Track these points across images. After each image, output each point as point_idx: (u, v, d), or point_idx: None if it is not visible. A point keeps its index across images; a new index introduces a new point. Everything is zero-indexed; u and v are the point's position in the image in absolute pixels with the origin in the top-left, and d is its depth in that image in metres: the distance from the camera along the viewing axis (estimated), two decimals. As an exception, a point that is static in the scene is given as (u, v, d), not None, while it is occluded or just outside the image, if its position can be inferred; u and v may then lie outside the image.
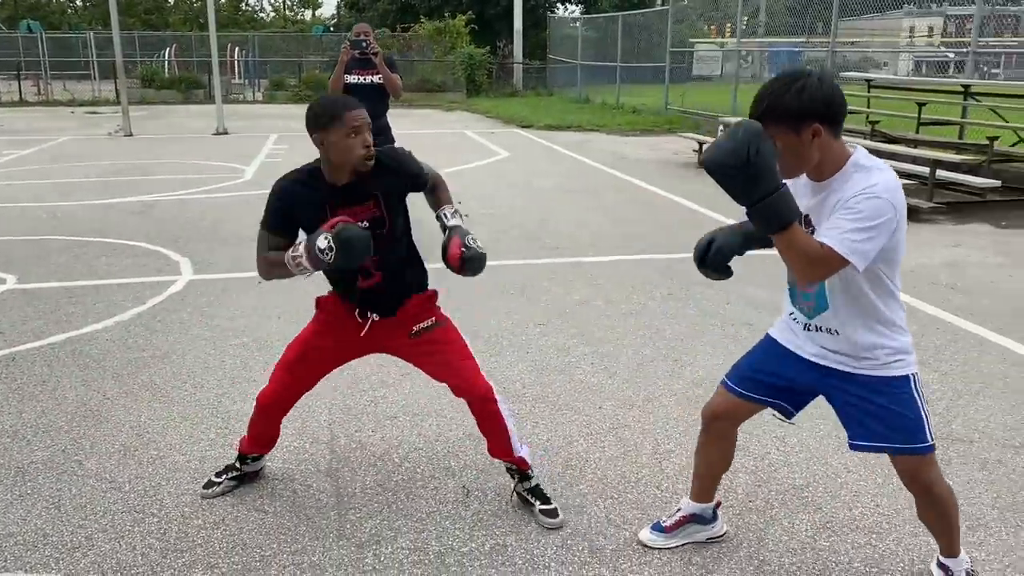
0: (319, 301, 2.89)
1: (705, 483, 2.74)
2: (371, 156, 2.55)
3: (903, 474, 2.38)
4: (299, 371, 2.87)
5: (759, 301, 5.28)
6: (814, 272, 2.10)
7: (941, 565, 2.52)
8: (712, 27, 27.62)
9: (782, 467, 3.28)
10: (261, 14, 54.28)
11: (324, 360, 2.89)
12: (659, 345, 4.62)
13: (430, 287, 2.88)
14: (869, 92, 12.25)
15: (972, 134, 10.47)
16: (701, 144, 11.85)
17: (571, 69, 25.48)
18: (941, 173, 8.34)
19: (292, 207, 2.62)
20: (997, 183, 8.22)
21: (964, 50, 12.89)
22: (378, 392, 3.98)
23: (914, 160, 8.82)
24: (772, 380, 2.47)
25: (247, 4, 52.13)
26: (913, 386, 2.29)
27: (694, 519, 2.75)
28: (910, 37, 23.83)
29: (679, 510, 2.78)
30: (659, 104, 18.75)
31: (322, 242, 2.44)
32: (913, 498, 2.45)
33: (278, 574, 2.60)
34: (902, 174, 8.58)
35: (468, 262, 2.62)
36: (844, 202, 2.07)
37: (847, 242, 2.02)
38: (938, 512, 2.42)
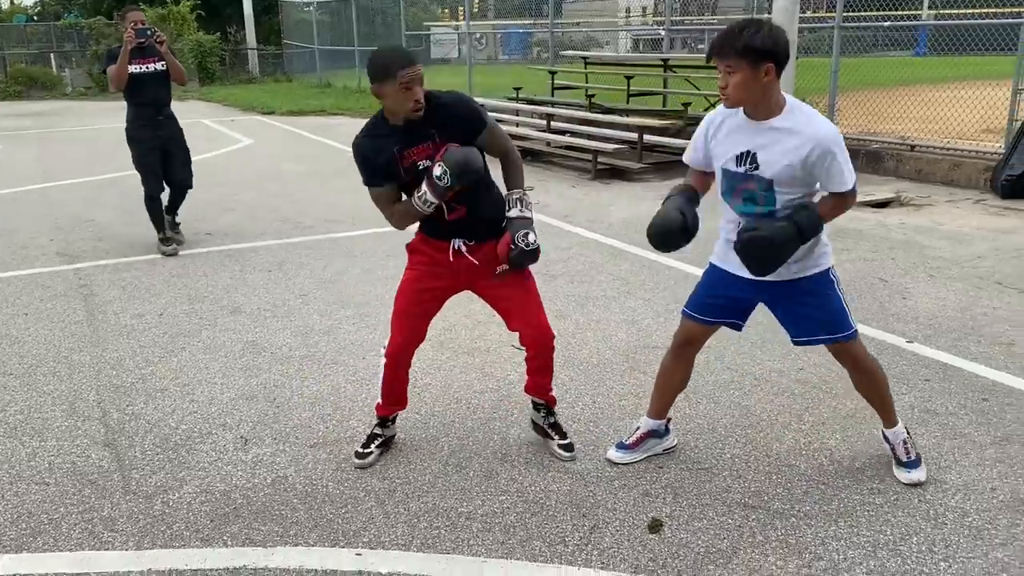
0: (409, 247, 3.11)
1: (664, 401, 3.14)
2: (419, 109, 2.77)
3: (835, 354, 2.90)
4: (415, 315, 3.08)
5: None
6: (846, 210, 2.70)
7: (884, 436, 3.02)
8: (445, 10, 28.50)
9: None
10: (-55, 2, 47.79)
11: (434, 299, 3.11)
12: (412, 301, 5.08)
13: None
14: (586, 69, 13.49)
15: (673, 102, 11.92)
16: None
17: (309, 54, 25.23)
18: (648, 138, 9.53)
19: (372, 159, 2.87)
20: (693, 143, 9.53)
21: (671, 28, 14.57)
22: (145, 370, 4.11)
23: (626, 127, 9.95)
24: (722, 303, 2.90)
25: (-76, -9, 45.71)
26: (832, 277, 2.77)
27: (652, 434, 3.17)
28: (627, 17, 26.11)
29: (638, 428, 3.17)
30: (400, 86, 19.15)
31: (436, 170, 2.75)
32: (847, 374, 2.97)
33: (70, 531, 2.77)
34: (616, 140, 9.72)
35: (513, 260, 2.91)
36: (825, 148, 2.51)
37: (853, 179, 2.59)
38: (869, 384, 2.92)
